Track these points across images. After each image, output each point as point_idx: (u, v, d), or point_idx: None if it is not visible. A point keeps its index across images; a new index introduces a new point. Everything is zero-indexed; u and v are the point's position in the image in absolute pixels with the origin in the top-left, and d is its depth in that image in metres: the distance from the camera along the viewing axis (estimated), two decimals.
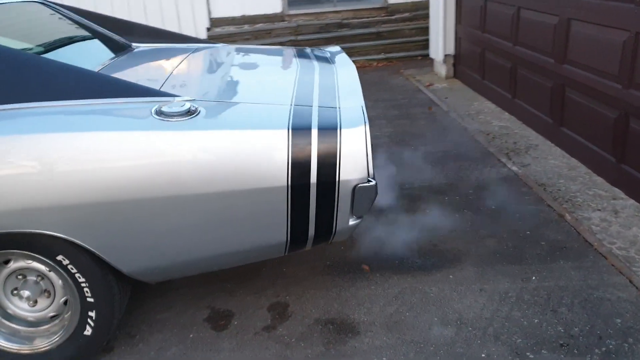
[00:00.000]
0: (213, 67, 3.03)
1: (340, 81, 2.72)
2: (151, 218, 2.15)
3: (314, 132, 2.14)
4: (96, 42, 3.27)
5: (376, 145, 4.67)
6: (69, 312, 2.34)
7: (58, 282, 2.32)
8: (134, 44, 3.49)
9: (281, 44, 8.43)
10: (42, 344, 2.37)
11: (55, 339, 2.36)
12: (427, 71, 7.23)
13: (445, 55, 6.69)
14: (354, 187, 2.19)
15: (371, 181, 2.21)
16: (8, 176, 2.01)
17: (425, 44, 7.72)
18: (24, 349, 2.37)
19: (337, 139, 2.15)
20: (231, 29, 8.66)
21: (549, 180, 3.77)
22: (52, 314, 2.39)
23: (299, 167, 2.13)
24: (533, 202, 3.49)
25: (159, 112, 2.14)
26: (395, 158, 4.31)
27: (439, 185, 3.77)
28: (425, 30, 7.95)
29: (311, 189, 2.16)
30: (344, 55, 3.32)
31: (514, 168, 3.99)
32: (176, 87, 2.51)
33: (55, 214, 2.08)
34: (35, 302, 2.37)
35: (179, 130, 2.11)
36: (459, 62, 6.59)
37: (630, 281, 2.65)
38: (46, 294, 2.36)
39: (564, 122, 4.18)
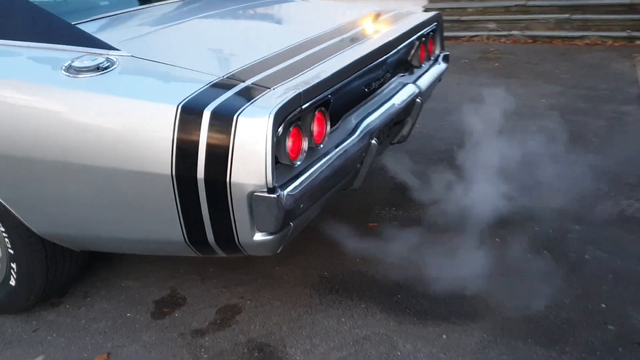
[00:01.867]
0: (225, 22, 2.56)
1: (342, 55, 2.12)
2: (45, 181, 1.92)
3: (206, 115, 1.66)
4: None
5: (519, 142, 3.76)
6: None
7: None
8: None
9: (505, 8, 7.43)
10: None
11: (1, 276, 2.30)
12: None
13: None
14: (250, 195, 1.67)
15: (275, 192, 1.66)
16: None
17: None
18: None
19: (231, 129, 1.64)
20: None
21: None
22: None
23: (184, 156, 1.69)
24: None
25: (69, 67, 1.86)
26: (528, 164, 3.40)
27: (539, 212, 2.87)
28: None
29: (199, 184, 1.71)
30: (411, 25, 2.61)
31: None
32: (141, 41, 2.19)
33: None
34: None
35: (73, 88, 1.81)
36: None
37: None
38: None
39: None
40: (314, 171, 1.84)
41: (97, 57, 1.88)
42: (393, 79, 2.56)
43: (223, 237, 1.80)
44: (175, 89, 1.77)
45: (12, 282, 2.23)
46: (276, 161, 1.76)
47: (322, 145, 1.92)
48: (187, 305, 2.36)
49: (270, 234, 1.77)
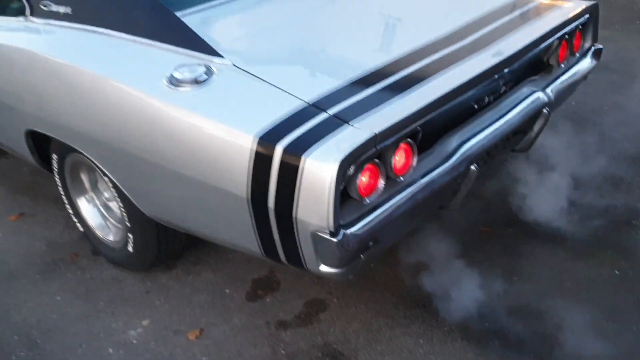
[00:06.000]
0: (344, 18, 2.39)
1: (451, 72, 1.96)
2: (147, 176, 2.10)
3: (278, 151, 1.67)
4: None
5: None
6: None
7: None
8: None
9: None
10: (115, 239, 2.63)
11: (123, 240, 2.56)
12: None
13: None
14: (313, 234, 1.68)
15: (337, 234, 1.65)
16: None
17: None
18: (110, 238, 2.66)
19: (299, 168, 1.64)
20: None
21: None
22: None
23: (257, 183, 1.73)
24: None
25: (170, 77, 1.92)
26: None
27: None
28: None
29: (269, 212, 1.75)
30: (551, 25, 2.31)
31: None
32: (244, 44, 2.18)
33: (84, 137, 2.21)
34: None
35: (172, 102, 1.88)
36: None
37: None
38: None
39: None
40: (390, 207, 1.79)
41: (197, 67, 1.93)
42: (519, 85, 2.33)
43: (293, 260, 1.85)
44: (259, 114, 1.77)
45: (130, 249, 2.49)
46: (348, 196, 1.74)
47: (404, 178, 1.84)
48: (280, 292, 2.47)
49: (337, 267, 1.77)
